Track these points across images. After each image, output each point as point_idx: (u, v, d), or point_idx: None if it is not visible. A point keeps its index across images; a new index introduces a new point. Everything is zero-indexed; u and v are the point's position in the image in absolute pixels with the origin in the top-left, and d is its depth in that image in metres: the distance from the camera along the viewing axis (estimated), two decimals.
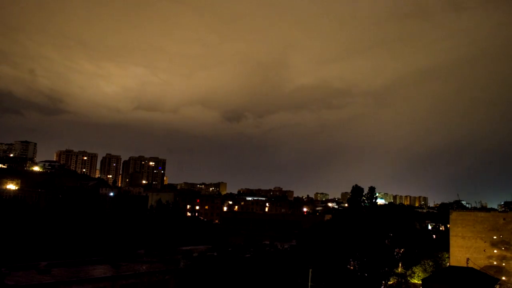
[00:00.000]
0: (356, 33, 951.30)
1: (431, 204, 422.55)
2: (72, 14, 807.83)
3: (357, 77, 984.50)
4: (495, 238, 76.88)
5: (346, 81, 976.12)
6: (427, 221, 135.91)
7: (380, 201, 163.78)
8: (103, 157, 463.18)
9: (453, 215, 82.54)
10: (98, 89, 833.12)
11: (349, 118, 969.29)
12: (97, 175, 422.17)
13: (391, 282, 70.65)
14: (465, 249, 78.50)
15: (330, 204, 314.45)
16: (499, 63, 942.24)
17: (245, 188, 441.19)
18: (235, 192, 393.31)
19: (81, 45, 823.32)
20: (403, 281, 72.97)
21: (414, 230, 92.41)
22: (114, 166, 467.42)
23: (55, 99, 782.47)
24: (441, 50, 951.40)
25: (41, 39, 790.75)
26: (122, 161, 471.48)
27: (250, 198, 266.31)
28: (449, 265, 78.06)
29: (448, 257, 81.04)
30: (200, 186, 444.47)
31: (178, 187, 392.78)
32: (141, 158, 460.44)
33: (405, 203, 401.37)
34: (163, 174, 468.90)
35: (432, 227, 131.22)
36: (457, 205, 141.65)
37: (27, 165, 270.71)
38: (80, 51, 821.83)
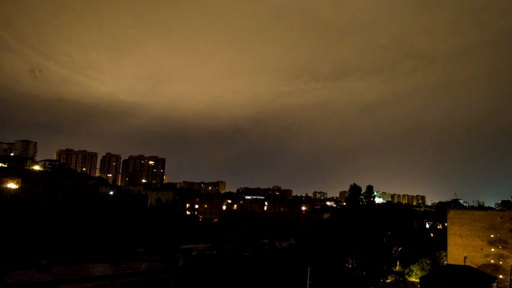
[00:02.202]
0: None
1: (428, 203, 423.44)
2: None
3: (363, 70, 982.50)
4: (492, 237, 77.38)
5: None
6: (425, 220, 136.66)
7: (378, 200, 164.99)
8: (103, 156, 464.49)
9: (451, 214, 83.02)
10: (96, 88, 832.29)
11: (349, 117, 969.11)
12: (97, 174, 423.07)
13: (389, 281, 71.12)
14: (463, 248, 78.99)
15: (328, 203, 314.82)
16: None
17: (244, 187, 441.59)
18: (234, 191, 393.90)
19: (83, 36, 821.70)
20: (401, 279, 73.45)
21: (412, 228, 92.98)
22: (114, 165, 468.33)
23: (55, 97, 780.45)
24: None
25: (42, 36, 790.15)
26: (122, 160, 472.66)
27: (249, 197, 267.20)
28: (447, 264, 78.50)
29: (446, 256, 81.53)
30: (200, 185, 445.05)
31: (178, 186, 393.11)
32: (140, 157, 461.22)
33: (403, 202, 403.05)
34: (163, 173, 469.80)
35: (429, 226, 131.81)
36: (454, 204, 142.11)
37: (28, 164, 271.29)
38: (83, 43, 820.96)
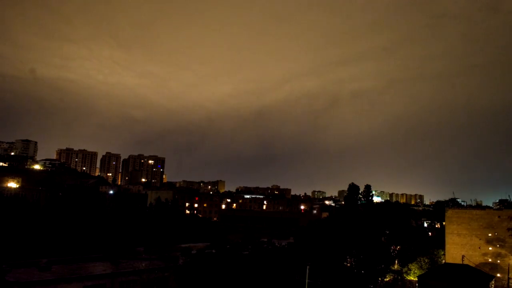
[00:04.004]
0: None
1: (427, 202, 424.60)
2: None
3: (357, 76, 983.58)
4: (490, 236, 77.83)
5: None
6: (423, 219, 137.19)
7: (376, 199, 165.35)
8: (103, 156, 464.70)
9: (449, 213, 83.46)
10: (96, 86, 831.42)
11: (348, 115, 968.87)
12: (97, 173, 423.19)
13: (387, 279, 71.50)
14: (461, 247, 79.45)
15: (327, 202, 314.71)
16: None
17: (243, 186, 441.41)
18: (233, 190, 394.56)
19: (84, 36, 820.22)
20: (399, 278, 73.85)
21: (410, 227, 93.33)
22: (114, 165, 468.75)
23: (55, 97, 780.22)
24: None
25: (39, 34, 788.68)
26: (121, 160, 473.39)
27: (248, 196, 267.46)
28: (445, 262, 78.92)
29: (444, 254, 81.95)
30: (199, 184, 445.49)
31: (177, 185, 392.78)
32: (140, 156, 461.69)
33: (401, 201, 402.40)
34: (162, 172, 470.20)
35: (428, 225, 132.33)
36: (452, 203, 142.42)
37: (28, 163, 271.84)
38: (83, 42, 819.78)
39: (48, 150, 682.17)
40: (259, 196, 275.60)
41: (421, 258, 78.09)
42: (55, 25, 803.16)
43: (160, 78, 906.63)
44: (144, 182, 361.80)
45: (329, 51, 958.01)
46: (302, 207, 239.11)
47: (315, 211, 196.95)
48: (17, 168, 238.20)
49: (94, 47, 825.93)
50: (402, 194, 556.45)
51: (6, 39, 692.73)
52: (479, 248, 78.29)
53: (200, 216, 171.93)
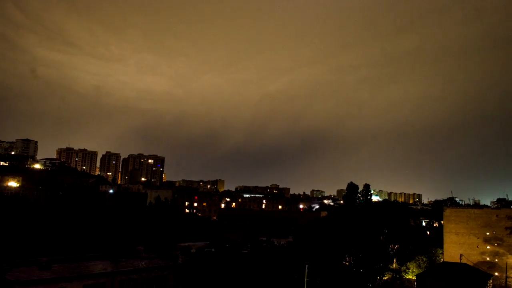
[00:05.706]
0: None
1: (425, 201, 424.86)
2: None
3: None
4: (488, 235, 78.23)
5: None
6: (421, 218, 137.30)
7: (375, 198, 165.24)
8: (102, 155, 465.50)
9: (447, 212, 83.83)
10: (96, 87, 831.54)
11: (347, 114, 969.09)
12: (97, 172, 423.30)
13: (386, 278, 71.80)
14: (459, 245, 79.84)
15: (326, 201, 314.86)
16: None
17: (243, 186, 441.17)
18: (233, 189, 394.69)
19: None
20: (397, 276, 74.12)
21: (408, 226, 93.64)
22: (113, 164, 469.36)
23: (55, 97, 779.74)
24: None
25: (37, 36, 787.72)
26: (121, 159, 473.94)
27: (247, 195, 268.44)
28: (443, 261, 79.29)
29: (442, 253, 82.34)
30: (198, 183, 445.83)
31: (177, 184, 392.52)
32: (140, 156, 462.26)
33: (400, 200, 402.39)
34: (162, 172, 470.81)
35: (426, 224, 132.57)
36: (450, 202, 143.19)
37: (28, 162, 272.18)
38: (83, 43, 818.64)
39: (48, 149, 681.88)
40: (258, 195, 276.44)
41: (420, 257, 78.41)
42: (56, 15, 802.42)
43: (158, 71, 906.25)
44: (144, 181, 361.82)
45: (327, 40, 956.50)
46: (301, 206, 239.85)
47: (314, 210, 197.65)
48: (18, 168, 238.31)
49: (94, 39, 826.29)
50: (401, 193, 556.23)
51: (6, 36, 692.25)
52: (477, 247, 78.68)
53: (200, 215, 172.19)
